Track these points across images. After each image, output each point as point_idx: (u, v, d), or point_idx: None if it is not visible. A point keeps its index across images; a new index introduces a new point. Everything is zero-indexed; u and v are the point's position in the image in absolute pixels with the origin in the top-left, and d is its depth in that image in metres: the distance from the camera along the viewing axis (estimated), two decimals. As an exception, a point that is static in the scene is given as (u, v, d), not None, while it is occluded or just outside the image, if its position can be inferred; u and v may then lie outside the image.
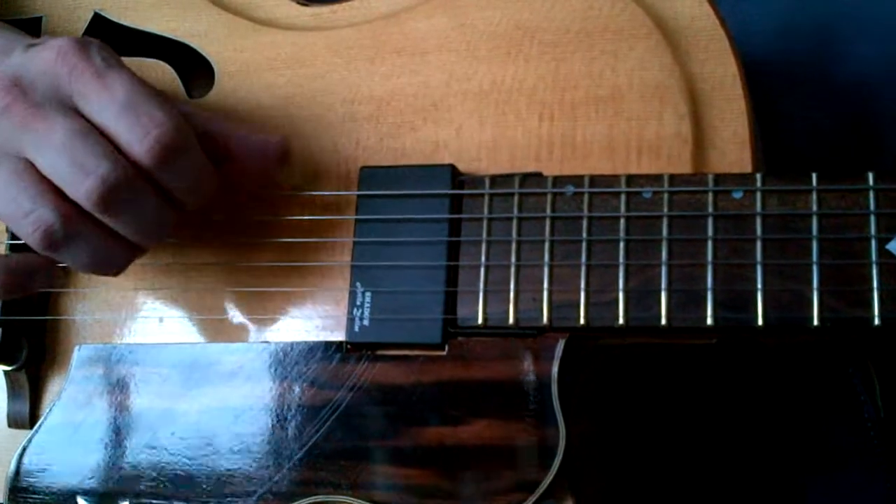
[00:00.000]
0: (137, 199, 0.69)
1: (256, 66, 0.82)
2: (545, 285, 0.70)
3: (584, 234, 0.70)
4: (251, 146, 0.74)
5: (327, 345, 0.74)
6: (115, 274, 0.74)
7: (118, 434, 0.77)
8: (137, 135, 0.68)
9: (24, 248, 0.73)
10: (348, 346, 0.74)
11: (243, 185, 0.78)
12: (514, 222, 0.71)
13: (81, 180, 0.67)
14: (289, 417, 0.74)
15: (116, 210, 0.69)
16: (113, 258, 0.72)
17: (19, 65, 0.70)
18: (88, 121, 0.69)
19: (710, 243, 0.68)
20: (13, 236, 0.81)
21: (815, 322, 0.65)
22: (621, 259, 0.69)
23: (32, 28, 0.88)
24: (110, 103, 0.68)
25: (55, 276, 0.76)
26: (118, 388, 0.78)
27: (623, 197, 0.70)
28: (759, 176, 0.68)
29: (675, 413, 0.82)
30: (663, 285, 0.68)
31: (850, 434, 0.80)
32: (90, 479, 0.77)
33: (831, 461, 0.82)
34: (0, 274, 0.73)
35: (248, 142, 0.74)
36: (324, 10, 0.82)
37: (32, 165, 0.69)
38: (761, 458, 0.82)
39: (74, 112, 0.69)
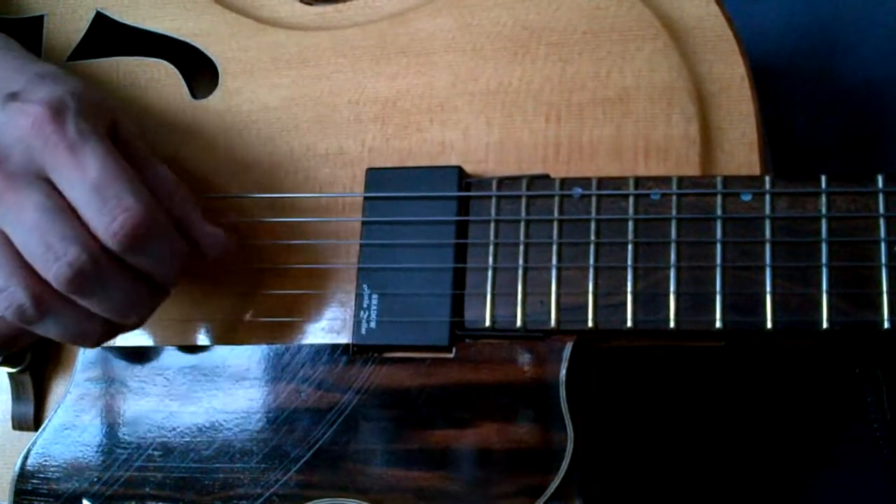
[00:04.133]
0: (107, 282, 0.68)
1: (260, 66, 0.81)
2: (553, 288, 0.70)
3: (592, 237, 0.70)
4: (209, 237, 0.73)
5: (333, 347, 0.74)
6: (94, 346, 0.73)
7: (123, 436, 0.77)
8: (105, 219, 0.66)
9: None
10: (355, 349, 0.73)
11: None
12: (522, 224, 0.71)
13: (50, 263, 0.66)
14: (295, 420, 0.74)
15: (86, 293, 0.68)
16: (88, 334, 0.71)
17: None
18: (61, 194, 0.67)
19: (718, 246, 0.67)
20: None
21: (825, 325, 0.65)
22: (629, 261, 0.69)
23: (34, 27, 0.87)
24: (81, 181, 0.66)
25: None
26: (123, 390, 0.78)
27: (631, 199, 0.69)
28: (768, 178, 0.68)
29: (679, 412, 0.82)
30: (672, 288, 0.68)
31: (856, 435, 0.80)
32: (96, 481, 0.77)
33: (837, 462, 0.82)
34: None
35: (206, 230, 0.73)
36: (328, 9, 0.82)
37: (9, 239, 0.67)
38: (767, 458, 0.82)
39: (48, 185, 0.67)
